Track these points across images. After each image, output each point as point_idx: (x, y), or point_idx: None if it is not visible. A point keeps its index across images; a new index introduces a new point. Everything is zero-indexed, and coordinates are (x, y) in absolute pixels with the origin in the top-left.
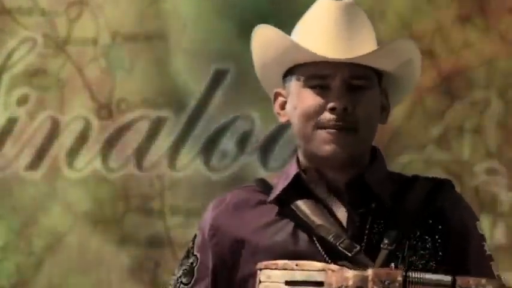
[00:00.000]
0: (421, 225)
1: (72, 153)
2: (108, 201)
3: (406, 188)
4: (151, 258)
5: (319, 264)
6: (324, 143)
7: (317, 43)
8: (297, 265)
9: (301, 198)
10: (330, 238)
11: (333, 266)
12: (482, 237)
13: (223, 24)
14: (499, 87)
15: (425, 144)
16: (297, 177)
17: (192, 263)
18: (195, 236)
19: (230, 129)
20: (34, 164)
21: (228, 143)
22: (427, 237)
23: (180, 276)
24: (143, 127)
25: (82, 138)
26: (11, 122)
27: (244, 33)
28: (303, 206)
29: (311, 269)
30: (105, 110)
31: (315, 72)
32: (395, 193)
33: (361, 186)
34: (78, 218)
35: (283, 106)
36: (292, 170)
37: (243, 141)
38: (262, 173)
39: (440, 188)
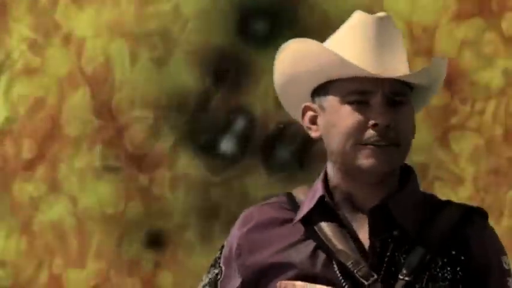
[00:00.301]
0: (444, 254)
1: (73, 152)
2: (110, 199)
3: (435, 214)
4: (150, 257)
5: None
6: (365, 158)
7: (356, 59)
8: None
9: (325, 219)
10: (349, 264)
11: None
12: (505, 273)
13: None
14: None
15: (426, 144)
16: (321, 199)
17: (217, 275)
18: (223, 246)
19: (230, 129)
20: (34, 163)
21: (228, 143)
22: (448, 268)
23: (205, 285)
24: (144, 127)
25: (82, 138)
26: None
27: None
28: (326, 228)
29: None
30: (105, 109)
31: (356, 88)
32: (422, 220)
33: (385, 212)
34: (78, 216)
35: (313, 121)
36: (318, 190)
37: (242, 141)
38: (262, 173)
39: (469, 217)
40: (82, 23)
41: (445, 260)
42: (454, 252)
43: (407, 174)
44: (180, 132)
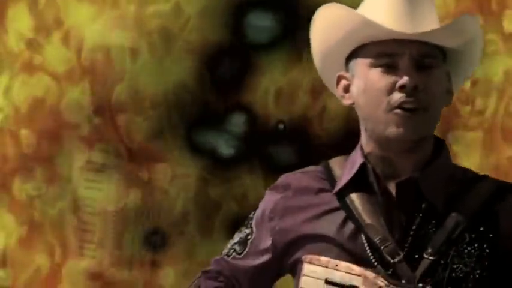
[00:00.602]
0: (472, 230)
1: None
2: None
3: (467, 188)
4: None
5: (357, 269)
6: (394, 126)
7: (384, 20)
8: (337, 265)
9: (358, 189)
10: (376, 240)
11: (368, 273)
12: None
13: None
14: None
15: None
16: (362, 167)
17: (247, 235)
18: (257, 209)
19: (230, 127)
20: (33, 160)
21: (228, 143)
22: (476, 244)
23: (235, 243)
24: (143, 124)
25: (81, 135)
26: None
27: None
28: (356, 200)
29: (349, 272)
30: (105, 107)
31: (383, 50)
32: (453, 194)
33: (414, 186)
34: (78, 214)
35: (346, 89)
36: (358, 158)
37: (241, 140)
38: (260, 172)
39: (502, 194)
40: (82, 20)
41: (473, 235)
42: (482, 229)
43: (440, 146)
44: (180, 130)
